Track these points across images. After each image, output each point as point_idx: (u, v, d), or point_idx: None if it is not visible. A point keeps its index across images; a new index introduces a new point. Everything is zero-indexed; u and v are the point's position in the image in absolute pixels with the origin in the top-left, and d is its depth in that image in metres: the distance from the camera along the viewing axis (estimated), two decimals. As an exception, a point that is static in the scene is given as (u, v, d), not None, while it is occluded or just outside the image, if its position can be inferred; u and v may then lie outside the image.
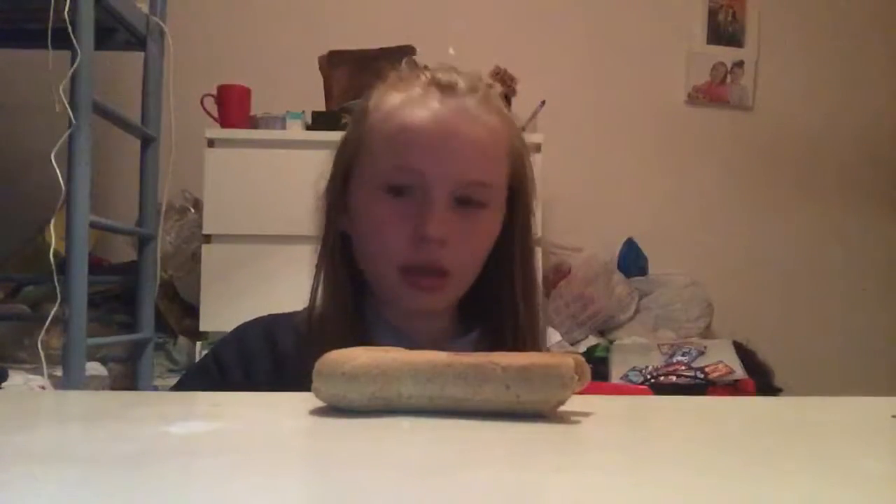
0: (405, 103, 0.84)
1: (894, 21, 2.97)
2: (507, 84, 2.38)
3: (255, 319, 0.91)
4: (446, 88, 0.84)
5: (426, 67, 0.88)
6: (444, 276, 0.82)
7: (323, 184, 0.89)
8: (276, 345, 0.87)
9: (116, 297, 2.26)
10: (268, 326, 0.89)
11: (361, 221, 0.85)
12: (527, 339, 0.85)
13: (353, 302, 0.86)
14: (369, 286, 0.87)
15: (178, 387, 0.95)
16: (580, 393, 0.46)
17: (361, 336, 0.82)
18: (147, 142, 2.14)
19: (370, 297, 0.87)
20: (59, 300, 1.68)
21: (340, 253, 0.87)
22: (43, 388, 1.65)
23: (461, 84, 0.85)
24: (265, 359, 0.86)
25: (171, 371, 2.25)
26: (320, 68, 2.34)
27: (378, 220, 0.83)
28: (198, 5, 2.70)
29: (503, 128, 0.86)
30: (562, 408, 0.44)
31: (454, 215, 0.82)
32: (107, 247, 2.55)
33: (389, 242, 0.82)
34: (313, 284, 0.87)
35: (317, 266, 0.88)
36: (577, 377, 0.44)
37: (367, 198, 0.85)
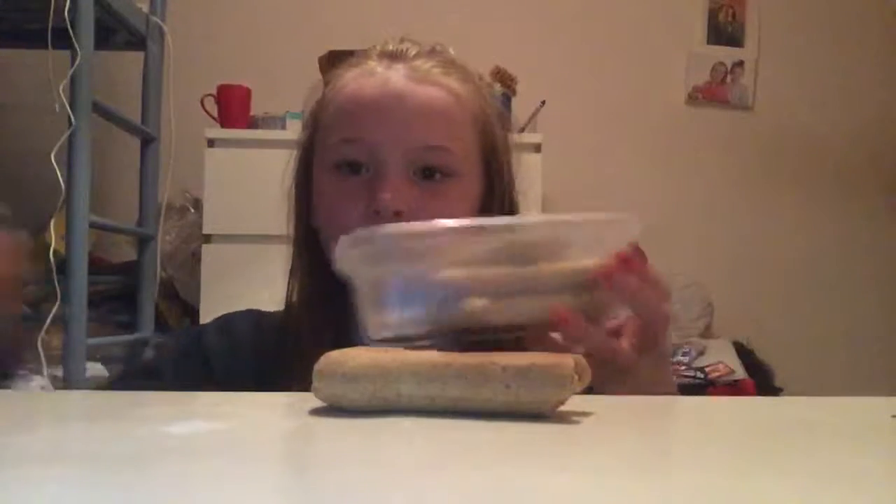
0: (354, 76, 0.80)
1: (894, 22, 2.97)
2: (507, 84, 2.38)
3: (243, 311, 0.88)
4: (395, 55, 0.80)
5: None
6: None
7: (289, 178, 0.85)
8: (263, 336, 0.83)
9: (116, 297, 2.26)
10: (256, 318, 0.87)
11: (318, 206, 0.80)
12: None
13: (327, 297, 0.80)
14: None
15: (145, 370, 0.83)
16: (581, 393, 0.46)
17: (339, 333, 0.78)
18: (147, 142, 2.15)
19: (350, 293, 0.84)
20: (59, 300, 1.68)
21: (311, 247, 0.82)
22: (43, 388, 1.65)
23: (412, 50, 0.80)
24: (251, 350, 0.82)
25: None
26: (320, 68, 2.34)
27: (330, 200, 0.78)
28: (198, 5, 2.70)
29: (466, 91, 0.79)
30: (562, 408, 0.44)
31: (414, 188, 0.75)
32: (107, 247, 2.54)
33: (343, 222, 0.73)
34: (289, 282, 0.84)
35: (291, 265, 0.85)
36: (577, 377, 0.45)
37: (320, 179, 0.80)
